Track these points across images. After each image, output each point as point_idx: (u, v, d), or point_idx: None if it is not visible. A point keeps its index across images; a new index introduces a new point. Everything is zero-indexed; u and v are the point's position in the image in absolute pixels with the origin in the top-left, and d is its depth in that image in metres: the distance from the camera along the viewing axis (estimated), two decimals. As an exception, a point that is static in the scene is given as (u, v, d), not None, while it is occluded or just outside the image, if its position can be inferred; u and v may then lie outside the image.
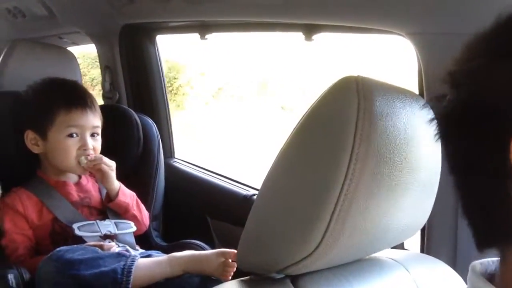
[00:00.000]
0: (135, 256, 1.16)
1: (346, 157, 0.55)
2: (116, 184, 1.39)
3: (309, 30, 1.22)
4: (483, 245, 0.46)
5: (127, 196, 1.42)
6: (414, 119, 0.63)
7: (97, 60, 1.92)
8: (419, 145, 0.64)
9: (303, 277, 0.63)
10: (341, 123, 0.56)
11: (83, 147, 1.33)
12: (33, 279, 1.17)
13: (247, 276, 0.67)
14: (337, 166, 0.55)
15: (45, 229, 1.31)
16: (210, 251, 1.24)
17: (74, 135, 1.33)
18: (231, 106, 5.63)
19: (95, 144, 1.37)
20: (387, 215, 0.61)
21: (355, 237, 0.59)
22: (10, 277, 1.13)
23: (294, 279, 0.63)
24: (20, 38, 1.95)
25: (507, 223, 0.42)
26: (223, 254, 1.19)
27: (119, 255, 1.16)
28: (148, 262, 1.18)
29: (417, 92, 1.04)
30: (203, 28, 1.51)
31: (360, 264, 0.71)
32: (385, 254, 0.79)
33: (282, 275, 0.63)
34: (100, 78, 1.90)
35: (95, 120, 1.37)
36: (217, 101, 5.76)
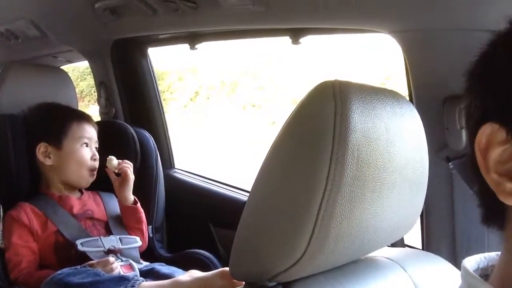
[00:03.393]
0: (137, 280, 1.17)
1: (326, 162, 0.55)
2: (132, 194, 1.47)
3: (296, 33, 1.22)
4: (489, 218, 0.44)
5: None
6: (395, 118, 0.64)
7: (85, 73, 1.96)
8: (403, 143, 0.64)
9: (295, 283, 0.63)
10: (319, 129, 0.56)
11: (93, 156, 1.43)
12: None
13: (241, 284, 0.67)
14: (317, 171, 0.55)
15: (49, 242, 1.33)
16: (213, 273, 1.22)
17: (85, 145, 1.42)
18: (207, 106, 5.83)
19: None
20: (374, 216, 0.61)
21: (343, 241, 0.59)
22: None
23: (286, 285, 0.63)
24: (15, 59, 1.98)
25: None
26: (225, 274, 1.18)
27: (121, 279, 1.17)
28: (151, 287, 1.18)
29: (405, 88, 1.04)
30: (193, 38, 1.52)
31: (354, 265, 0.71)
32: (381, 253, 0.79)
33: (274, 283, 0.63)
34: (88, 90, 1.94)
35: (96, 136, 1.48)
36: (194, 103, 5.96)
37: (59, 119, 1.43)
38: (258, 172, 0.63)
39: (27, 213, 1.33)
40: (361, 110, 0.58)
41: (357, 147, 0.56)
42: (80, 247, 1.28)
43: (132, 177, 1.45)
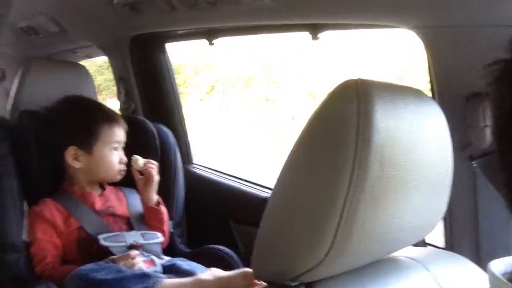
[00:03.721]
0: (158, 277, 1.18)
1: (348, 162, 0.54)
2: (155, 195, 1.46)
3: (315, 29, 1.21)
4: None
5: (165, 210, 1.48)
6: (419, 117, 0.63)
7: (103, 67, 1.97)
8: (427, 142, 0.63)
9: (318, 284, 0.63)
10: (342, 129, 0.55)
11: (121, 160, 1.44)
12: None
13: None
14: (340, 172, 0.54)
15: (72, 238, 1.35)
16: (235, 273, 1.23)
17: (114, 149, 1.43)
18: (223, 100, 5.84)
19: None
20: (397, 216, 0.61)
21: (365, 242, 0.59)
22: (40, 292, 1.16)
23: (309, 285, 0.63)
24: (35, 55, 2.01)
25: None
26: (248, 275, 1.18)
27: (143, 275, 1.18)
28: (172, 285, 1.18)
29: (428, 86, 1.02)
30: (211, 34, 1.52)
31: (376, 265, 0.70)
32: (404, 253, 0.78)
33: (297, 283, 0.63)
34: (105, 84, 1.95)
35: (124, 137, 1.48)
36: (210, 97, 5.98)
37: (90, 123, 1.40)
38: (281, 171, 0.63)
39: (50, 209, 1.36)
40: (384, 109, 0.57)
41: (380, 147, 0.55)
42: (102, 242, 1.30)
43: (156, 178, 1.45)
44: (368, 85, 0.58)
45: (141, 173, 1.46)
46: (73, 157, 1.40)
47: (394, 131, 0.57)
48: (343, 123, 0.56)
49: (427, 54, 0.96)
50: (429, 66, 0.97)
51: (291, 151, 0.62)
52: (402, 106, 0.60)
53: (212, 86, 6.14)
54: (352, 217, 0.55)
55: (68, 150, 1.40)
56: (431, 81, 0.98)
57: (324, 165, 0.57)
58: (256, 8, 1.21)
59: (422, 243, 1.02)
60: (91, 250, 1.32)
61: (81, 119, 1.42)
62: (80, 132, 1.40)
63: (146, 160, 1.45)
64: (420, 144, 0.61)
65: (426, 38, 0.93)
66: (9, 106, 1.64)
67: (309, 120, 0.61)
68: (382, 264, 0.72)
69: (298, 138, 0.62)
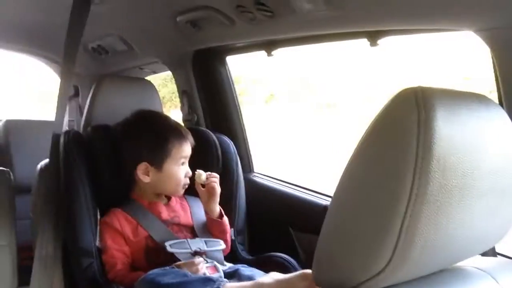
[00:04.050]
0: (221, 281, 1.21)
1: (409, 171, 0.54)
2: (218, 206, 1.50)
3: (374, 35, 1.20)
4: None
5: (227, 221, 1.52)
6: (483, 123, 0.61)
7: (166, 80, 2.04)
8: (493, 149, 0.61)
9: (379, 292, 0.63)
10: (402, 137, 0.55)
11: (187, 174, 1.49)
12: None
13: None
14: (401, 181, 0.54)
15: (140, 246, 1.41)
16: (294, 275, 1.23)
17: (182, 164, 1.48)
18: (282, 107, 5.82)
19: None
20: (462, 225, 0.60)
21: (428, 251, 0.58)
22: (111, 294, 1.23)
23: (370, 294, 0.63)
24: (105, 72, 2.13)
25: None
26: (307, 276, 1.19)
27: (206, 279, 1.21)
28: None
29: (494, 92, 0.99)
30: (269, 45, 1.55)
31: (440, 275, 0.69)
32: (470, 263, 0.75)
33: (358, 291, 0.64)
34: (169, 96, 2.02)
35: (191, 151, 1.52)
36: (269, 105, 5.97)
37: (163, 141, 1.45)
38: (340, 180, 0.64)
39: (119, 219, 1.43)
40: (446, 117, 0.56)
41: (442, 156, 0.55)
42: (169, 249, 1.35)
43: (219, 190, 1.48)
44: (428, 93, 0.57)
45: (203, 185, 1.50)
46: (143, 172, 1.46)
47: (458, 139, 0.56)
48: (403, 132, 0.56)
49: (493, 58, 0.93)
50: (494, 71, 0.94)
51: (350, 160, 0.63)
52: (465, 113, 0.59)
53: (272, 95, 6.19)
54: (413, 226, 0.55)
55: (140, 166, 1.46)
56: (497, 86, 0.94)
57: (384, 174, 0.57)
58: (313, 18, 1.22)
59: (492, 253, 0.98)
60: (158, 258, 1.38)
61: (154, 136, 1.46)
62: (152, 150, 1.45)
63: (208, 173, 1.49)
64: (486, 151, 0.60)
65: (492, 40, 0.90)
66: (82, 121, 1.74)
67: (368, 129, 0.61)
68: (447, 273, 0.70)
69: (356, 148, 0.62)
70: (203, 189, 1.50)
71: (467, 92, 0.64)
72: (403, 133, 0.56)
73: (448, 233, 0.59)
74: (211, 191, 1.48)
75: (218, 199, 1.49)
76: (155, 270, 1.24)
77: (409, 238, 0.55)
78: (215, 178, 1.49)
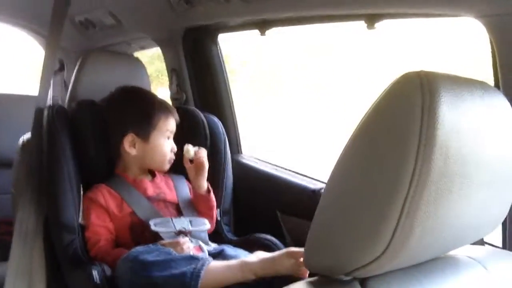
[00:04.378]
0: (206, 259, 1.20)
1: (411, 157, 0.53)
2: (206, 182, 1.50)
3: (372, 18, 1.18)
4: None
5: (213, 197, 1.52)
6: (486, 111, 0.60)
7: (153, 58, 2.00)
8: (495, 137, 0.60)
9: (373, 279, 0.62)
10: (405, 122, 0.54)
11: (173, 149, 1.49)
12: (113, 275, 1.25)
13: (314, 276, 0.66)
14: (402, 166, 0.53)
15: (125, 222, 1.39)
16: (279, 253, 1.23)
17: (168, 138, 1.48)
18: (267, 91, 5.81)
19: None
20: (460, 214, 0.59)
21: (426, 239, 0.57)
22: (95, 273, 1.22)
23: (363, 281, 0.62)
24: (91, 47, 2.07)
25: None
26: (292, 254, 1.19)
27: (191, 258, 1.20)
28: (219, 267, 1.20)
29: (491, 79, 0.98)
30: (263, 25, 1.51)
31: (433, 263, 0.68)
32: (461, 251, 0.75)
33: (350, 277, 0.63)
34: (155, 74, 1.98)
35: (175, 125, 1.52)
36: (254, 88, 5.95)
37: (149, 112, 1.46)
38: (336, 163, 0.62)
39: (104, 195, 1.41)
40: (450, 103, 0.55)
41: (445, 142, 0.53)
42: (153, 227, 1.33)
43: (207, 165, 1.48)
44: (433, 77, 0.56)
45: (191, 161, 1.49)
46: (130, 144, 1.45)
47: (461, 125, 0.55)
48: (406, 116, 0.54)
49: (492, 45, 0.92)
50: (493, 57, 0.93)
51: (348, 142, 0.61)
52: (469, 99, 0.57)
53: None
54: (413, 212, 0.54)
55: (127, 137, 1.44)
56: (495, 73, 0.93)
57: (385, 159, 0.55)
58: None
59: (480, 242, 0.98)
60: (142, 234, 1.37)
61: (141, 108, 1.47)
62: (139, 120, 1.45)
63: (196, 148, 1.49)
64: (489, 139, 0.59)
65: (492, 27, 0.89)
66: (67, 97, 1.70)
67: (368, 111, 0.60)
68: (439, 262, 0.70)
69: (356, 130, 0.60)
70: (191, 164, 1.48)
71: (469, 79, 0.63)
72: (405, 117, 0.54)
73: (446, 221, 0.58)
74: (199, 166, 1.47)
75: (206, 174, 1.49)
76: (138, 248, 1.22)
77: (408, 224, 0.54)
78: (203, 152, 1.48)
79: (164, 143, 1.47)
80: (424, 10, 1.01)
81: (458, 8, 0.94)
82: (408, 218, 0.53)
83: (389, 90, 0.58)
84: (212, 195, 1.51)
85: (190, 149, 1.47)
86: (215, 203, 1.51)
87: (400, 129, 0.54)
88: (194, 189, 1.50)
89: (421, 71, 0.57)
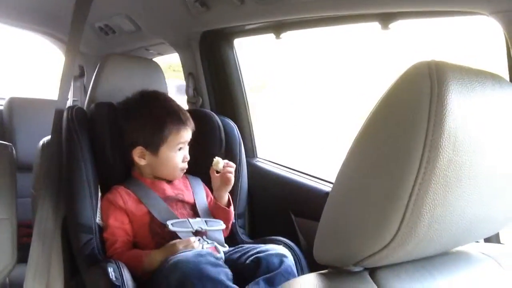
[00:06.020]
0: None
1: (419, 145, 0.52)
2: (227, 195, 1.51)
3: (386, 18, 1.18)
4: None
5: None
6: (497, 102, 0.59)
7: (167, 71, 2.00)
8: (505, 127, 0.60)
9: (382, 270, 0.62)
10: (413, 110, 0.54)
11: (185, 158, 1.49)
12: (129, 272, 1.26)
13: (325, 269, 0.66)
14: (410, 155, 0.53)
15: (144, 221, 1.41)
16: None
17: (179, 149, 1.48)
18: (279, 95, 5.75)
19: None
20: (470, 204, 0.58)
21: (435, 228, 0.57)
22: (110, 270, 1.23)
23: (372, 271, 0.62)
24: (111, 52, 2.11)
25: None
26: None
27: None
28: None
29: (506, 75, 0.97)
30: (279, 28, 1.53)
31: (445, 257, 0.67)
32: (475, 248, 0.74)
33: (360, 268, 0.62)
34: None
35: (190, 135, 1.51)
36: (256, 93, 5.90)
37: (160, 126, 1.43)
38: (348, 151, 0.62)
39: (122, 196, 1.43)
40: (459, 91, 0.54)
41: (454, 130, 0.53)
42: (171, 227, 1.35)
43: (233, 180, 1.48)
44: (442, 66, 0.56)
45: (217, 171, 1.49)
46: (139, 155, 1.46)
47: (470, 114, 0.55)
48: (415, 104, 0.54)
49: (506, 42, 0.91)
50: (508, 54, 0.92)
51: (358, 134, 0.61)
52: (479, 89, 0.57)
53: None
54: (421, 201, 0.53)
55: (136, 150, 1.46)
56: (510, 69, 0.92)
57: (393, 146, 0.55)
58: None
59: (496, 240, 0.97)
60: (161, 234, 1.38)
61: (152, 121, 1.45)
62: (149, 135, 1.44)
63: (226, 162, 1.48)
64: (499, 128, 0.58)
65: (506, 23, 0.88)
66: (86, 99, 1.73)
67: (379, 101, 0.60)
68: (451, 256, 0.69)
69: (366, 121, 0.61)
70: (217, 174, 1.50)
71: (481, 70, 0.62)
72: (414, 106, 0.54)
73: (456, 211, 0.57)
74: (225, 181, 1.48)
75: (230, 188, 1.50)
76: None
77: (416, 212, 0.53)
78: (232, 168, 1.48)
79: (174, 156, 1.46)
80: (438, 8, 1.00)
81: (473, 5, 0.94)
82: (416, 205, 0.53)
83: (399, 78, 0.58)
84: (231, 208, 1.51)
85: (220, 162, 1.47)
86: (232, 216, 1.52)
87: (409, 116, 0.54)
88: (215, 199, 1.51)
89: (431, 61, 0.57)
